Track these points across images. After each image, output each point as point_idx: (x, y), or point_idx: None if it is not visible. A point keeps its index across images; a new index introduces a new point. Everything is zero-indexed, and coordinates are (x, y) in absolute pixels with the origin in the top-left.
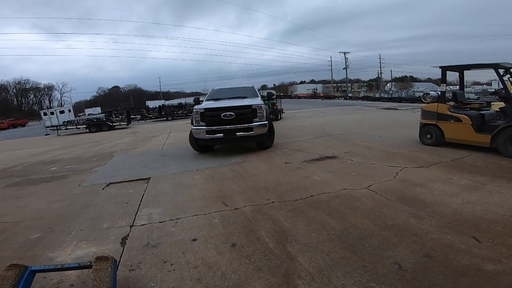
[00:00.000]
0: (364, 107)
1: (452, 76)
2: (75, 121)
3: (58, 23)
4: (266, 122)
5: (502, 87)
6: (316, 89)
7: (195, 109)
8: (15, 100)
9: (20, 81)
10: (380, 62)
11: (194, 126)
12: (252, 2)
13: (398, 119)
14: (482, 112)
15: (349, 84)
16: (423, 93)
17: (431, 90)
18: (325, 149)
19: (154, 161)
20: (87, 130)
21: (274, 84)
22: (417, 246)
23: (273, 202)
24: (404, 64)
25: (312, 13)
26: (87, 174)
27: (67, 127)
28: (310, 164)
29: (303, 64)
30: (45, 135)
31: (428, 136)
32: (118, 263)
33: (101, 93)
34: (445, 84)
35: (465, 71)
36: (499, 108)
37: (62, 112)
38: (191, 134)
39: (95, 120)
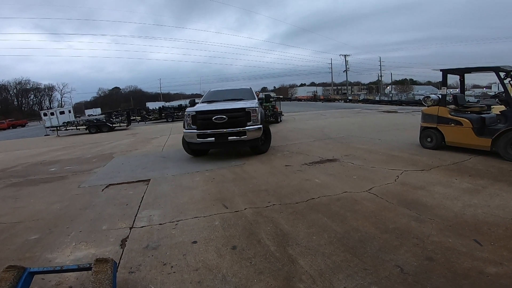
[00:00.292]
0: (364, 110)
1: (452, 79)
2: (75, 122)
3: (59, 24)
4: (261, 126)
5: (502, 90)
6: (316, 92)
7: (186, 111)
8: (16, 100)
9: (20, 81)
10: (380, 65)
11: (186, 129)
12: (253, 4)
13: (398, 122)
14: (482, 115)
15: (349, 87)
16: (423, 96)
17: (432, 93)
18: (326, 152)
19: (154, 163)
20: (87, 131)
21: (274, 87)
22: (419, 249)
23: (273, 204)
24: (404, 67)
25: (313, 15)
26: (87, 175)
27: (67, 128)
28: (311, 166)
29: (304, 66)
30: (45, 135)
31: (429, 139)
32: (118, 265)
33: (101, 94)
34: (446, 87)
35: (465, 74)
36: (499, 112)
37: (62, 112)
38: (184, 137)
39: (95, 121)
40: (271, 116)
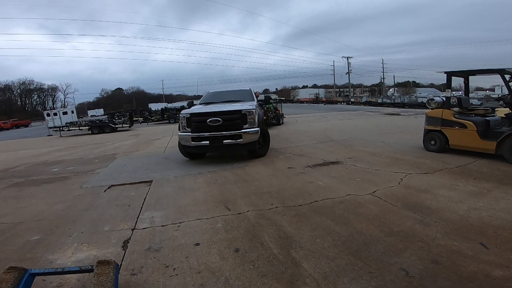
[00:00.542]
0: (367, 112)
1: (455, 81)
2: (78, 123)
3: (64, 24)
4: (258, 129)
5: (507, 93)
6: (318, 94)
7: (181, 113)
8: (19, 100)
9: (24, 82)
10: (383, 67)
11: (180, 132)
12: (256, 6)
13: (401, 125)
14: (487, 118)
15: (352, 89)
16: (426, 98)
17: (435, 96)
18: (328, 154)
19: (156, 164)
20: (90, 132)
21: (276, 88)
22: (424, 252)
23: (276, 207)
24: (407, 69)
25: (315, 17)
26: (89, 176)
27: (70, 128)
28: (314, 169)
29: (306, 68)
30: (48, 136)
31: (432, 142)
32: (120, 267)
33: (104, 95)
34: (450, 90)
35: (469, 77)
36: (504, 114)
37: (65, 113)
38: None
39: (97, 121)
40: (273, 118)
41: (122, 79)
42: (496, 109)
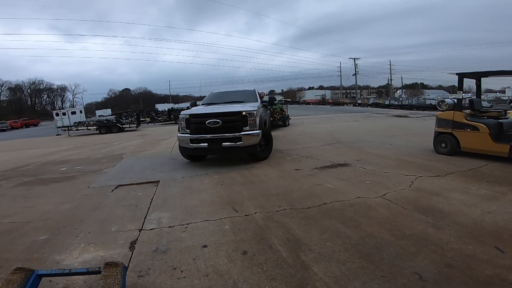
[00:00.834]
0: (374, 114)
1: (464, 83)
2: (86, 122)
3: (74, 25)
4: (259, 131)
5: None
6: (325, 95)
7: (180, 114)
8: (29, 100)
9: (34, 82)
10: (390, 69)
11: (179, 133)
12: (263, 7)
13: (410, 127)
14: (500, 120)
15: (359, 91)
16: (435, 100)
17: (444, 97)
18: (336, 156)
19: (163, 164)
20: (97, 131)
21: (282, 90)
22: (437, 256)
23: (284, 209)
24: (415, 70)
25: (322, 19)
26: (97, 176)
27: (78, 128)
28: (322, 171)
29: (312, 69)
30: (56, 135)
31: (443, 145)
32: (127, 269)
33: (112, 95)
34: (462, 92)
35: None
36: None
37: (73, 113)
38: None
39: (105, 121)
40: (280, 120)
41: (129, 80)
42: (508, 112)
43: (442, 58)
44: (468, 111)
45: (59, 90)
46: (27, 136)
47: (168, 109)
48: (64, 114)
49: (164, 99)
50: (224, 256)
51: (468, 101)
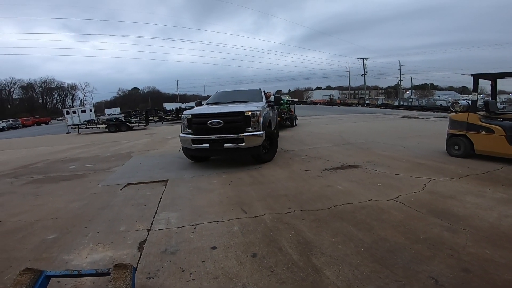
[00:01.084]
0: (383, 115)
1: (470, 84)
2: (95, 121)
3: (84, 24)
4: (262, 132)
5: None
6: (333, 96)
7: (183, 114)
8: (41, 98)
9: (46, 80)
10: (400, 69)
11: (182, 133)
12: (270, 7)
13: (420, 128)
14: None
15: (367, 91)
16: (445, 101)
17: (454, 99)
18: (346, 157)
19: (171, 163)
20: (107, 130)
21: (289, 90)
22: (454, 260)
23: (294, 211)
24: (425, 71)
25: (331, 18)
26: (106, 174)
27: (88, 126)
28: (332, 172)
29: (320, 70)
30: (67, 133)
31: (456, 147)
32: (136, 270)
33: (121, 94)
34: (477, 93)
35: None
36: None
37: (83, 111)
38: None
39: (114, 120)
40: (287, 120)
41: (138, 79)
42: None
43: (453, 59)
44: (482, 112)
45: (69, 89)
46: (38, 133)
47: (176, 109)
48: (74, 112)
49: (172, 98)
50: (233, 258)
51: (483, 103)
